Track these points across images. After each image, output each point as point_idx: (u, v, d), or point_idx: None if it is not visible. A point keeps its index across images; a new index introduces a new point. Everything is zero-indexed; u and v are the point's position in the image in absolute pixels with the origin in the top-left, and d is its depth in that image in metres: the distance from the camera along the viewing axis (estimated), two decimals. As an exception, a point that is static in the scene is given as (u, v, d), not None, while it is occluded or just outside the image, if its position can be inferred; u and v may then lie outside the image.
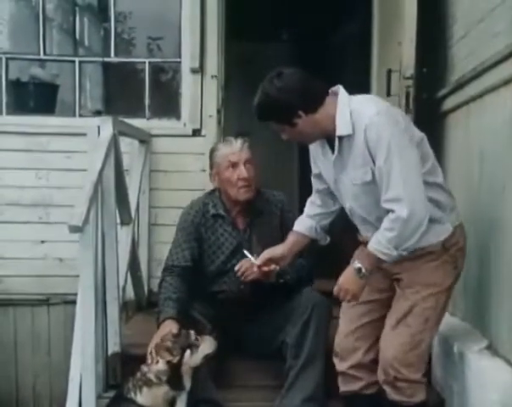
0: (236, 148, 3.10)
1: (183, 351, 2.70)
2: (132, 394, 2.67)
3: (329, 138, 2.52)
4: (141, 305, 4.05)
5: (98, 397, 2.93)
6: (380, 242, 2.38)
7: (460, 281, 2.86)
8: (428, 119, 3.67)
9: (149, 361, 2.72)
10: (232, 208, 3.17)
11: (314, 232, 2.79)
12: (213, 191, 3.26)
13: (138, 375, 2.72)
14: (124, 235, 3.66)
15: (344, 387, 2.75)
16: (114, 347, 3.15)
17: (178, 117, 4.43)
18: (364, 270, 2.43)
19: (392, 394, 2.58)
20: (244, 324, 3.11)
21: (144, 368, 2.72)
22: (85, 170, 3.11)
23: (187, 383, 2.73)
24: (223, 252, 3.13)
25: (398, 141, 2.34)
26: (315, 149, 2.65)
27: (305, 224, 2.80)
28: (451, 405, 2.90)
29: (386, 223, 2.38)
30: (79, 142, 3.99)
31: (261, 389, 3.12)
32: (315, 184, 2.77)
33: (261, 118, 2.54)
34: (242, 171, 3.06)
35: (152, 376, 2.68)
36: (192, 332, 2.75)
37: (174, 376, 2.68)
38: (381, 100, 2.62)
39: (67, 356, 3.14)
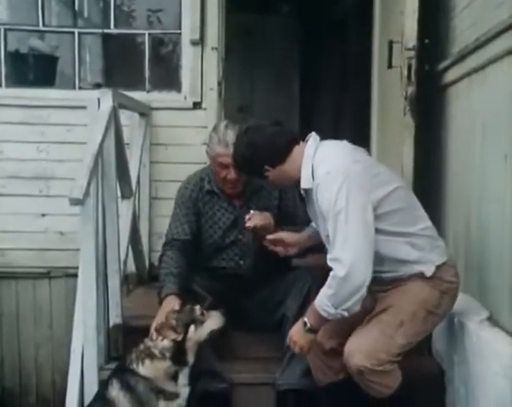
0: (229, 152, 2.88)
1: (187, 327, 2.70)
2: (134, 365, 2.69)
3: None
4: (143, 278, 4.06)
5: (100, 368, 2.95)
6: (321, 300, 2.42)
7: (461, 253, 2.87)
8: (430, 92, 3.65)
9: (154, 337, 2.73)
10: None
11: None
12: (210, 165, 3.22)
13: (141, 347, 2.73)
14: (124, 208, 3.66)
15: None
16: (115, 319, 3.16)
17: (178, 90, 4.40)
18: (308, 325, 2.48)
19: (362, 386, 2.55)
20: (245, 298, 3.12)
21: (148, 342, 2.73)
22: (85, 143, 3.09)
23: (191, 359, 2.74)
24: (220, 227, 3.12)
25: (345, 202, 2.34)
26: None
27: None
28: (451, 376, 2.91)
29: (328, 281, 2.40)
30: (79, 115, 3.99)
31: (262, 361, 3.15)
32: None
33: (235, 164, 2.77)
34: (231, 173, 2.98)
35: (156, 351, 2.69)
36: (198, 307, 2.76)
37: (178, 353, 2.69)
38: (347, 149, 2.58)
39: (68, 329, 3.17)
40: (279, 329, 3.01)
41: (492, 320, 2.66)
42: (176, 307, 2.78)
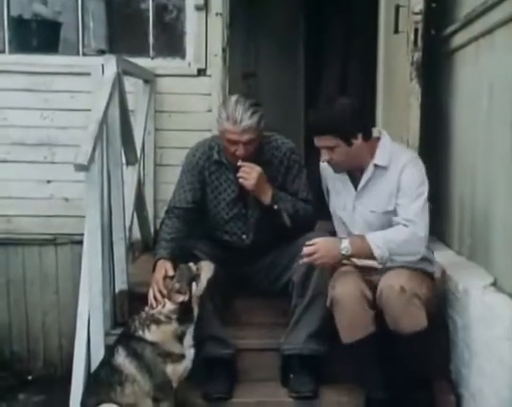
0: (237, 129, 2.86)
1: (190, 286, 2.73)
2: (140, 332, 2.71)
3: (352, 172, 2.84)
4: (148, 246, 4.05)
5: (106, 333, 2.97)
6: (380, 239, 2.66)
7: (467, 218, 2.88)
8: (436, 57, 3.61)
9: (154, 305, 2.75)
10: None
11: None
12: None
13: (143, 315, 2.75)
14: (129, 175, 3.65)
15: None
16: (121, 285, 3.18)
17: (183, 56, 4.37)
18: (350, 251, 2.67)
19: (393, 321, 2.63)
20: (248, 263, 3.12)
21: (151, 310, 2.75)
22: (89, 110, 3.08)
23: (195, 314, 2.78)
24: (224, 198, 3.09)
25: (423, 186, 2.74)
26: (333, 184, 2.95)
27: None
28: (455, 341, 2.93)
29: (398, 230, 2.69)
30: (83, 81, 3.95)
31: (267, 326, 3.16)
32: None
33: (322, 129, 2.72)
34: (240, 150, 2.92)
35: (161, 317, 2.72)
36: (191, 264, 2.79)
37: (184, 313, 2.72)
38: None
39: (75, 295, 3.19)
40: (284, 294, 3.02)
41: (497, 286, 2.67)
42: (170, 273, 2.79)
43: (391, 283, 2.65)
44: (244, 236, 3.10)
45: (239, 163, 2.93)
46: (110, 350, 2.75)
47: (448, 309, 2.99)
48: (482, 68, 2.98)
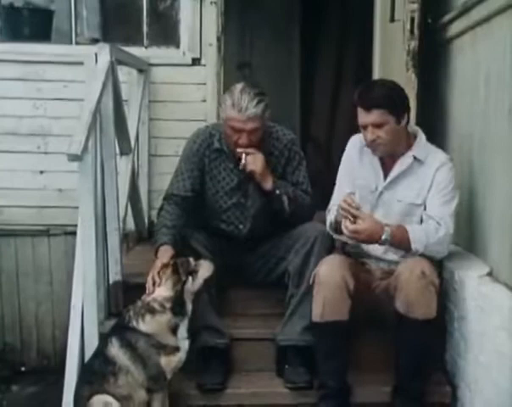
0: (242, 117, 2.86)
1: (187, 277, 2.73)
2: (134, 323, 2.70)
3: (384, 159, 2.86)
4: (142, 236, 4.07)
5: (100, 324, 2.97)
6: (424, 235, 2.71)
7: (463, 209, 2.89)
8: (433, 46, 3.61)
9: (151, 290, 2.75)
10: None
11: None
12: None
13: (139, 303, 2.74)
14: (123, 165, 3.64)
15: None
16: (115, 276, 3.18)
17: (177, 45, 4.36)
18: (389, 238, 2.67)
19: (407, 305, 2.66)
20: (246, 254, 3.13)
21: (147, 298, 2.74)
22: (82, 100, 3.07)
23: (189, 308, 2.77)
24: (222, 187, 3.08)
25: (457, 189, 2.81)
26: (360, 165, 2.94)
27: None
28: (451, 331, 2.94)
29: (435, 228, 2.72)
30: (76, 71, 3.97)
31: (262, 317, 3.17)
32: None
33: (375, 102, 2.70)
34: (243, 139, 2.91)
35: (156, 305, 2.71)
36: (191, 259, 2.78)
37: (177, 303, 2.71)
38: None
39: (68, 285, 3.20)
40: (280, 284, 3.03)
41: (493, 276, 2.68)
42: (164, 260, 2.77)
43: (411, 267, 2.68)
44: (241, 226, 3.10)
45: (239, 149, 2.92)
46: (104, 340, 2.75)
47: (444, 299, 3.00)
48: (479, 56, 2.98)
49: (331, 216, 2.89)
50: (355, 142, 2.96)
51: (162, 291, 2.72)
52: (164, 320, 2.70)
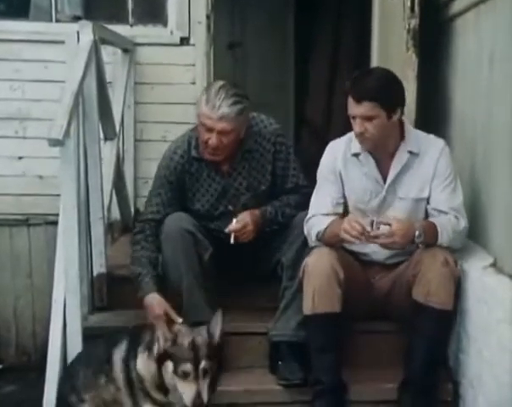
0: (215, 115, 2.82)
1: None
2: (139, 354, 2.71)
3: (379, 158, 2.85)
4: (128, 226, 4.05)
5: (84, 318, 2.98)
6: (451, 229, 2.73)
7: (466, 198, 2.90)
8: (434, 24, 3.61)
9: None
10: None
11: None
12: None
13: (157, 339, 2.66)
14: (108, 151, 3.65)
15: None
16: (99, 268, 3.19)
17: (164, 23, 4.35)
18: (422, 238, 2.68)
19: (427, 292, 2.69)
20: (238, 246, 3.12)
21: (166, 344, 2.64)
22: (64, 82, 3.07)
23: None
24: (208, 200, 3.06)
25: (457, 174, 2.85)
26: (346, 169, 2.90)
27: None
28: (453, 324, 2.95)
29: (457, 220, 2.77)
30: (56, 50, 3.94)
31: (256, 311, 3.17)
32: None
33: (366, 94, 2.68)
34: (212, 139, 2.87)
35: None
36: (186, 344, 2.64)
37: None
38: None
39: (50, 278, 3.19)
40: (273, 277, 3.04)
41: (497, 267, 2.70)
42: (178, 320, 2.78)
43: (435, 254, 2.71)
44: (232, 240, 3.03)
45: (226, 230, 2.92)
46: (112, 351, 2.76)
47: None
48: (483, 35, 2.98)
49: (319, 228, 2.84)
50: (335, 153, 2.93)
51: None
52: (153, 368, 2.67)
